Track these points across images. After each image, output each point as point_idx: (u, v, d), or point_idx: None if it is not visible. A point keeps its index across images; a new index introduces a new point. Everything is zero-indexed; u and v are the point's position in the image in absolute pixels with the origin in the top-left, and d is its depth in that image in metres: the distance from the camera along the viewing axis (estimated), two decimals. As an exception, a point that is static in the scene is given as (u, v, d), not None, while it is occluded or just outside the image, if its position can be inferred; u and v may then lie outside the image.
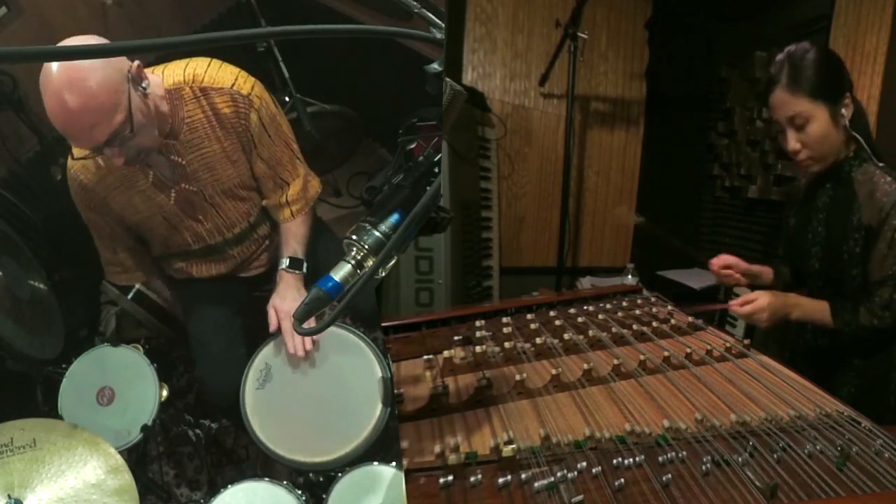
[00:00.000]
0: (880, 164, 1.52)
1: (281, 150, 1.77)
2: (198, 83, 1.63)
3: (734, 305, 1.68)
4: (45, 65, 1.39)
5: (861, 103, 1.60)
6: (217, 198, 1.78)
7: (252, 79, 1.68)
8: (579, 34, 2.61)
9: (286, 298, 1.79)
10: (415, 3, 0.99)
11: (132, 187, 1.71)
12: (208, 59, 1.67)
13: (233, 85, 1.64)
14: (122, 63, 1.47)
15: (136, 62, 1.50)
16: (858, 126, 1.53)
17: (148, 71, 1.61)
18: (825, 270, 1.64)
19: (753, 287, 1.82)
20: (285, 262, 1.83)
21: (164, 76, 1.63)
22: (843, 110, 1.50)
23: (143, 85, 1.51)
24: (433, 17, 0.97)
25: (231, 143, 1.70)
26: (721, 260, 1.83)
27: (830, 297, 1.61)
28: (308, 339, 1.75)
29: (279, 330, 1.80)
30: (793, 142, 1.52)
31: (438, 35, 0.93)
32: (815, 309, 1.63)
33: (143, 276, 1.98)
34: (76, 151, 1.59)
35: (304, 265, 1.85)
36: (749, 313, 1.64)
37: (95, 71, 1.39)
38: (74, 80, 1.38)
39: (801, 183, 1.76)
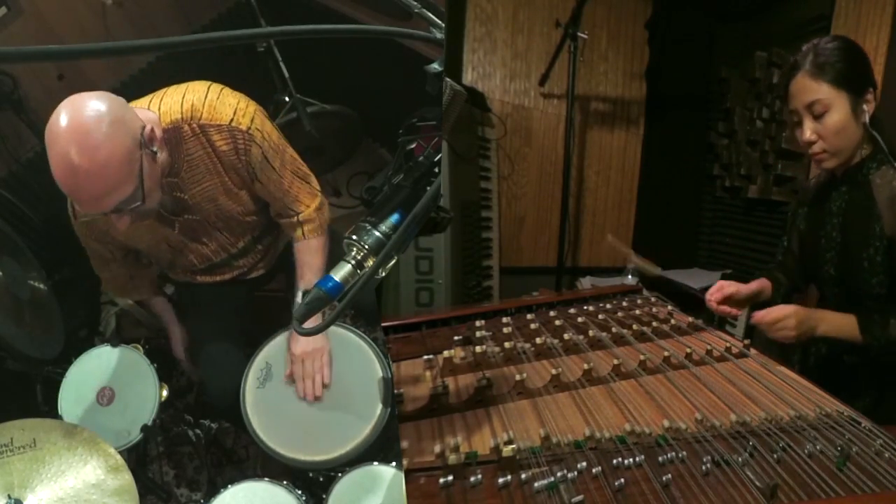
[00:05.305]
0: None
1: (289, 181, 1.71)
2: (196, 120, 1.53)
3: (757, 316, 1.54)
4: (53, 129, 1.31)
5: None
6: (220, 223, 1.77)
7: (252, 108, 1.59)
8: (579, 34, 2.61)
9: (299, 340, 1.73)
10: (415, 3, 0.99)
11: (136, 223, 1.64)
12: (206, 86, 1.57)
13: (231, 120, 1.54)
14: (134, 127, 1.38)
15: (150, 126, 1.42)
16: (879, 127, 1.46)
17: (143, 106, 1.54)
18: (842, 277, 1.57)
19: (755, 307, 1.67)
20: (299, 297, 1.75)
21: (160, 112, 1.53)
22: (865, 106, 1.42)
23: (154, 148, 1.43)
24: (433, 17, 0.97)
25: (232, 178, 1.64)
26: (719, 293, 1.66)
27: (856, 310, 1.52)
28: (319, 386, 1.71)
29: (278, 328, 1.80)
30: (808, 132, 1.45)
31: (438, 35, 0.92)
32: (842, 323, 1.51)
33: (147, 292, 1.98)
34: (80, 213, 1.51)
35: None
36: (774, 320, 1.50)
37: (108, 139, 1.32)
38: (85, 148, 1.29)
39: (809, 184, 1.69)
